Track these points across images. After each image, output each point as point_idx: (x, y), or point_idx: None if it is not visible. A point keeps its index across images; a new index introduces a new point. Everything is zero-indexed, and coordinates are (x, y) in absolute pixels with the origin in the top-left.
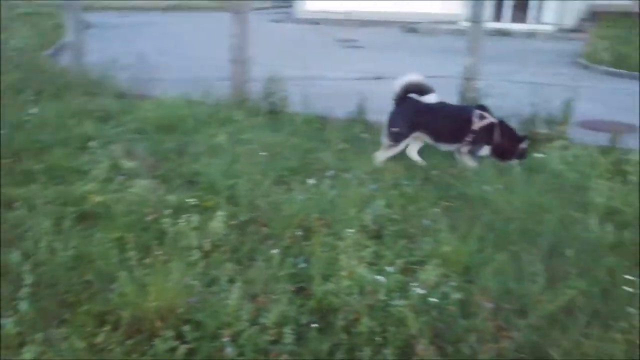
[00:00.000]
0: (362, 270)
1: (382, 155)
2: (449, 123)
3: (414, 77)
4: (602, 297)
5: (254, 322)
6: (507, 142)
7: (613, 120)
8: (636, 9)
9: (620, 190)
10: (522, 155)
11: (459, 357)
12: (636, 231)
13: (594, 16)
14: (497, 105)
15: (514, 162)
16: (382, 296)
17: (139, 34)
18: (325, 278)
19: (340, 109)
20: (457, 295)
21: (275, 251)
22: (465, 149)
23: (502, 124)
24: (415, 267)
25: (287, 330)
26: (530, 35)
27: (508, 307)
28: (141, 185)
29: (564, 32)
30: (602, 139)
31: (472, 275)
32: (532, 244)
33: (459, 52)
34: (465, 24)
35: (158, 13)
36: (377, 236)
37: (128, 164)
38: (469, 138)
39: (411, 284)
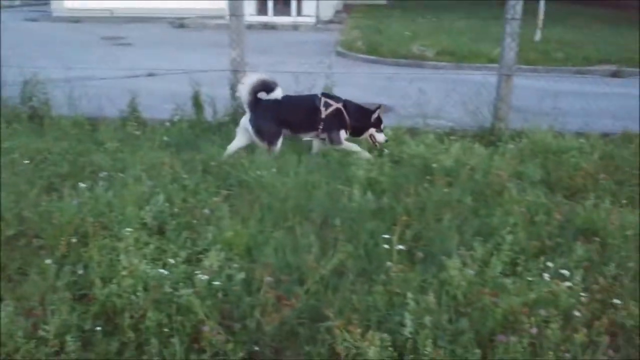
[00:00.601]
0: (144, 267)
1: (271, 151)
2: (302, 114)
3: (258, 76)
4: (366, 257)
5: (31, 336)
6: (359, 118)
7: (372, 102)
8: (382, 1)
9: (378, 163)
10: (377, 124)
11: (245, 333)
12: (391, 196)
13: (348, 8)
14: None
15: (379, 134)
16: (167, 289)
17: None
18: (107, 281)
19: (112, 109)
20: (241, 276)
21: (49, 262)
22: (326, 139)
23: (347, 105)
24: (200, 256)
25: (70, 339)
26: (294, 27)
27: (287, 278)
28: None
29: (324, 24)
30: None
31: (255, 255)
32: (306, 218)
33: (227, 46)
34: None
35: None
36: (160, 232)
37: None
38: (321, 126)
39: (196, 272)
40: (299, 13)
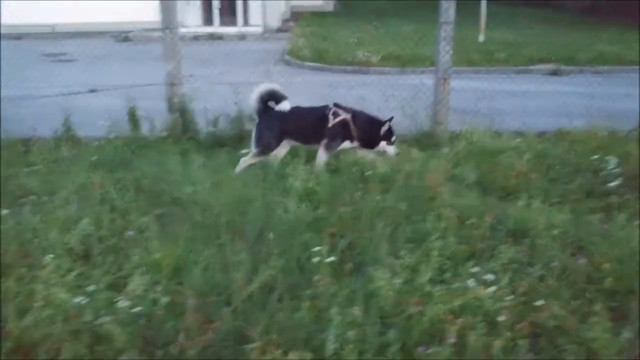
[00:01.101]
0: (64, 296)
1: (247, 162)
2: (309, 125)
3: (268, 86)
4: (298, 271)
5: None
6: (368, 130)
7: None
8: (330, 8)
9: (317, 173)
10: (388, 137)
11: (168, 359)
12: (327, 207)
13: (296, 16)
14: (204, 107)
15: (389, 146)
16: (88, 317)
17: None
18: (24, 313)
19: (47, 128)
20: (165, 299)
21: None
22: (323, 143)
23: (356, 116)
24: (125, 280)
25: None
26: (241, 37)
27: (214, 299)
28: None
29: (271, 33)
30: None
31: (183, 276)
32: (239, 234)
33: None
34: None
35: None
36: (85, 257)
37: None
38: (326, 135)
39: (119, 297)
40: (245, 23)
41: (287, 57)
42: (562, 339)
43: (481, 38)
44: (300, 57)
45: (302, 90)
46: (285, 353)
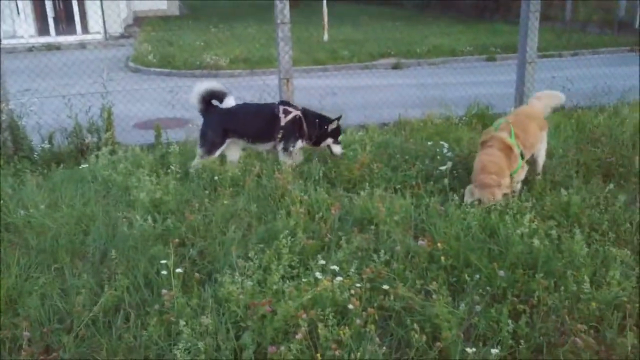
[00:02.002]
0: None
1: (196, 163)
2: (258, 123)
3: (207, 85)
4: (145, 287)
5: None
6: (317, 127)
7: (167, 117)
8: (175, 12)
9: (164, 182)
10: (335, 134)
11: None
12: (177, 216)
13: (139, 21)
14: (37, 123)
15: (335, 145)
16: None
17: None
18: None
19: None
20: None
21: None
22: (279, 146)
23: (305, 113)
24: None
25: None
26: (82, 45)
27: (55, 327)
28: None
29: (114, 39)
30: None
31: (19, 306)
32: (80, 256)
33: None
34: None
35: None
36: None
37: None
38: (279, 134)
39: None
40: (85, 30)
41: (131, 64)
42: (409, 319)
43: (325, 37)
44: (146, 63)
45: (148, 97)
46: None
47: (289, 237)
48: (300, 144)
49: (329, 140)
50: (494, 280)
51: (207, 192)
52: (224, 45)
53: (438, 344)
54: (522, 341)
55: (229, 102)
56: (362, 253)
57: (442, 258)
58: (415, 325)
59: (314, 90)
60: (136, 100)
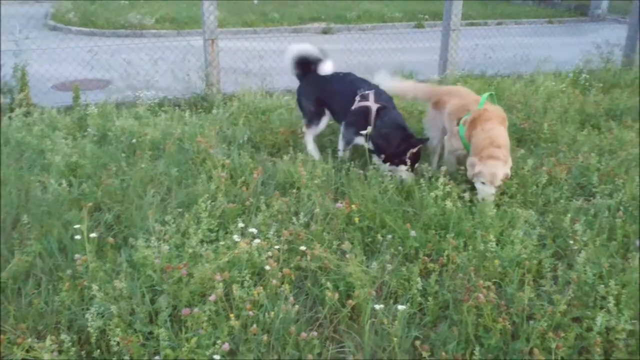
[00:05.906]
0: None
1: (308, 140)
2: (343, 101)
3: (299, 48)
4: (61, 253)
5: None
6: (390, 140)
7: (86, 78)
8: None
9: (81, 145)
10: (412, 161)
11: None
12: (93, 180)
13: None
14: None
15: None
16: None
17: None
18: None
19: None
20: None
21: None
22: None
23: (381, 111)
24: None
25: None
26: None
27: None
28: None
29: None
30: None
31: None
32: None
33: None
34: None
35: None
36: None
37: None
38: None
39: None
40: None
41: (51, 22)
42: (323, 278)
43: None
44: (66, 22)
45: (67, 57)
46: (42, 339)
47: (209, 201)
48: (358, 139)
49: (401, 167)
50: (407, 240)
51: (125, 155)
52: (149, 4)
53: (350, 301)
54: (430, 298)
55: (325, 68)
56: (283, 216)
57: (357, 219)
58: (329, 284)
59: (240, 52)
60: (53, 61)
